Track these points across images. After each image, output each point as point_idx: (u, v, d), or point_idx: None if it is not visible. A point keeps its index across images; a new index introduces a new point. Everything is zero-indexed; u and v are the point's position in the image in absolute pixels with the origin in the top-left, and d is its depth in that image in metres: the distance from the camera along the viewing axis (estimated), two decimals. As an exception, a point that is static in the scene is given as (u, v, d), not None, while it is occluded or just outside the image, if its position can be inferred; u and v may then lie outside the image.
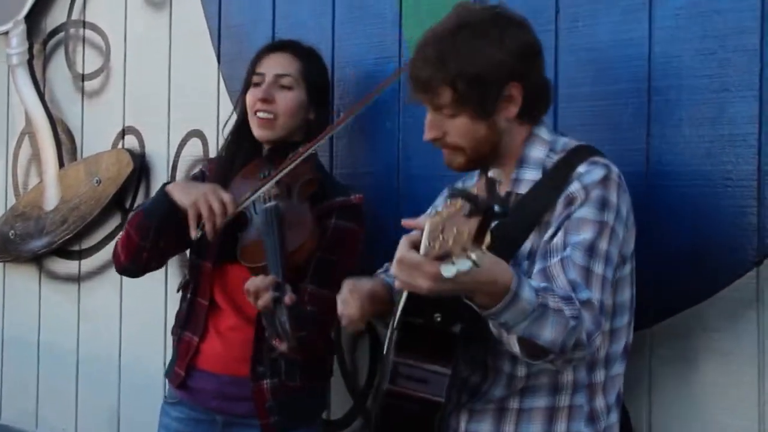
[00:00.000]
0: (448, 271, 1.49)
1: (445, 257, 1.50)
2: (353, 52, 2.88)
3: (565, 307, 1.76)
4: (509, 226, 1.94)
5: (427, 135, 2.05)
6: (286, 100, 2.57)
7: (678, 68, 2.26)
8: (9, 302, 4.12)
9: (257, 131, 2.59)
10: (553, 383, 1.97)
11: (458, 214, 1.50)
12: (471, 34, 1.98)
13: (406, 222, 1.78)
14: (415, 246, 1.63)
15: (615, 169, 1.96)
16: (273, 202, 2.43)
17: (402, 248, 1.66)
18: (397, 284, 1.71)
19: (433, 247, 1.52)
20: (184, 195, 2.45)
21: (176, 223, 2.44)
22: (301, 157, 2.43)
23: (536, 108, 2.06)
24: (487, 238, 1.49)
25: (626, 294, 2.02)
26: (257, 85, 2.60)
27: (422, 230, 1.60)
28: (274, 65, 2.60)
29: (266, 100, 2.56)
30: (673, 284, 2.26)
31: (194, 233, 2.40)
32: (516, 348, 1.79)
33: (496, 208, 1.48)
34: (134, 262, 2.59)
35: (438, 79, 1.98)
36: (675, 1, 2.26)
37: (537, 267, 1.90)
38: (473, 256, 1.47)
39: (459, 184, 2.25)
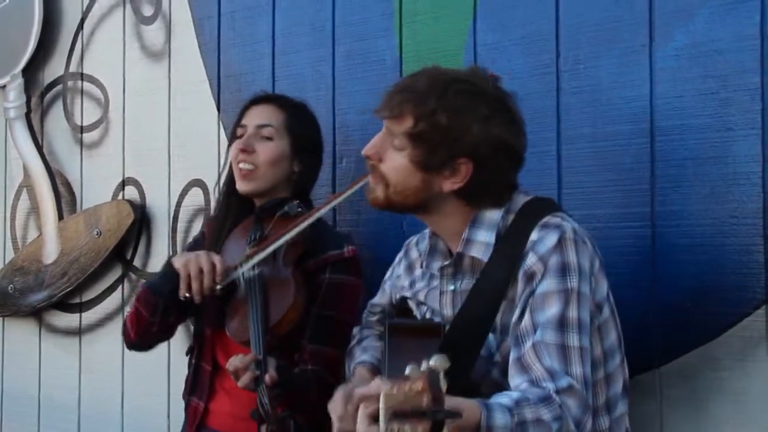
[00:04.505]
0: None
1: None
2: (354, 99, 2.89)
3: (544, 411, 1.74)
4: (475, 302, 1.95)
5: (366, 149, 2.04)
6: (267, 150, 2.55)
7: (680, 108, 2.27)
8: (9, 357, 4.08)
9: (239, 184, 2.57)
10: None
11: (410, 405, 1.46)
12: (465, 93, 1.95)
13: (359, 396, 1.67)
14: (374, 419, 1.56)
15: (568, 226, 1.91)
16: (256, 271, 2.41)
17: (362, 425, 1.60)
18: None
19: (392, 429, 1.48)
20: (179, 259, 2.43)
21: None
22: (288, 235, 2.38)
23: (481, 198, 2.00)
24: None
25: (612, 336, 1.98)
26: (240, 137, 2.59)
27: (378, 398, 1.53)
28: (256, 116, 2.60)
29: (245, 150, 2.54)
30: (680, 323, 2.26)
31: (182, 293, 2.38)
32: None
33: (445, 416, 1.45)
34: (143, 337, 2.58)
35: (409, 107, 1.95)
36: (675, 41, 2.28)
37: (512, 355, 1.87)
38: None
39: (414, 251, 2.23)
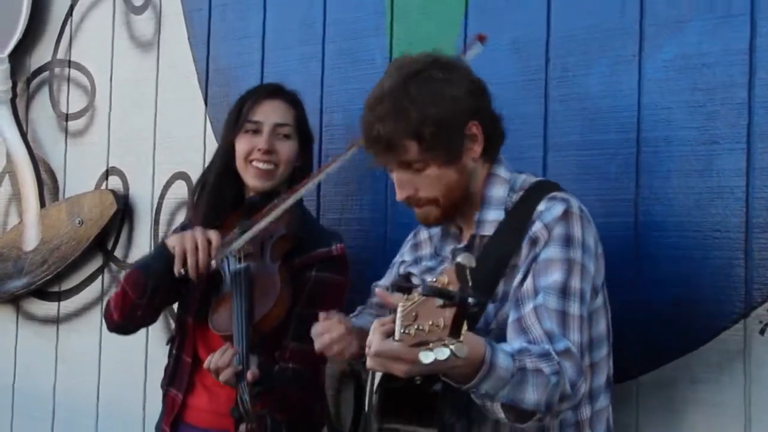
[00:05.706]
0: (426, 357, 1.49)
1: (422, 344, 1.50)
2: (342, 98, 2.88)
3: (544, 365, 1.76)
4: (478, 272, 1.94)
5: (400, 195, 2.03)
6: (287, 150, 2.55)
7: (667, 120, 2.28)
8: (-15, 344, 4.06)
9: (254, 181, 2.55)
10: (539, 425, 1.92)
11: (432, 302, 1.50)
12: (421, 80, 1.97)
13: (379, 292, 1.84)
14: (388, 335, 1.61)
15: (575, 203, 1.95)
16: (243, 264, 2.40)
17: (377, 340, 1.63)
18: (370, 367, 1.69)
19: (408, 333, 1.52)
20: (174, 238, 2.42)
21: (172, 278, 2.41)
22: (286, 204, 2.39)
23: (495, 143, 2.06)
24: (464, 328, 1.49)
25: (602, 325, 2.01)
26: (252, 132, 2.55)
27: (394, 310, 1.59)
28: (272, 114, 2.57)
29: (270, 151, 2.53)
30: (660, 335, 2.26)
31: (177, 268, 2.37)
32: (501, 415, 1.77)
33: (471, 300, 1.48)
34: (128, 319, 2.55)
35: (400, 133, 1.95)
36: (664, 53, 2.29)
37: (511, 317, 1.89)
38: (452, 347, 1.48)
39: (424, 232, 2.24)
